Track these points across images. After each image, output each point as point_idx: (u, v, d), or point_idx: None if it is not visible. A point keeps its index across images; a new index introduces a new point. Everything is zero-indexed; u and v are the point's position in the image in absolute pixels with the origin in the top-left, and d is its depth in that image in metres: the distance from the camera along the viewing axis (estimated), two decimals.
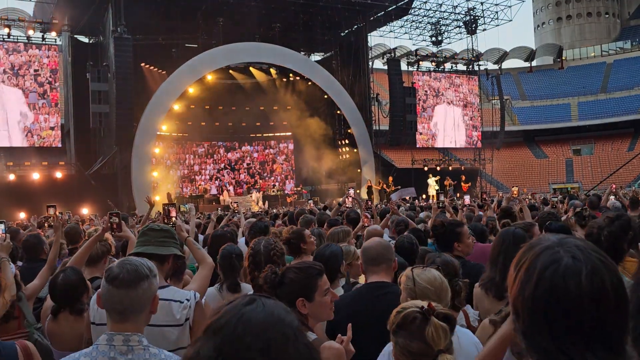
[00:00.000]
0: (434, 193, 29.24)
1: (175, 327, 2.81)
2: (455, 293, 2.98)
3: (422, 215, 8.22)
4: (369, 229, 5.32)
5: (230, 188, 33.72)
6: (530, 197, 16.91)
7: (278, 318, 1.12)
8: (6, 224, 4.19)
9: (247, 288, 3.92)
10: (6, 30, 25.02)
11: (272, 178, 36.02)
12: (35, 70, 25.49)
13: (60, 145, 26.18)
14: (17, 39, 25.62)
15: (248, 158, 36.40)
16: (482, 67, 40.62)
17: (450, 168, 34.84)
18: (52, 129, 25.83)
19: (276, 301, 1.17)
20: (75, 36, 28.78)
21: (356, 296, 3.21)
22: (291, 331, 1.11)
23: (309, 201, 10.92)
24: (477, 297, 3.35)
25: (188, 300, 2.89)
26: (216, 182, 34.28)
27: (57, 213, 5.64)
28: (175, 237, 3.16)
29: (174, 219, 3.80)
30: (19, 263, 5.11)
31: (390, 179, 29.92)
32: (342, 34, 34.41)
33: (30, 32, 25.63)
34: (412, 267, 2.70)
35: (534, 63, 57.96)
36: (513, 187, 8.23)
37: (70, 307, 3.35)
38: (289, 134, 35.46)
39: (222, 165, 35.43)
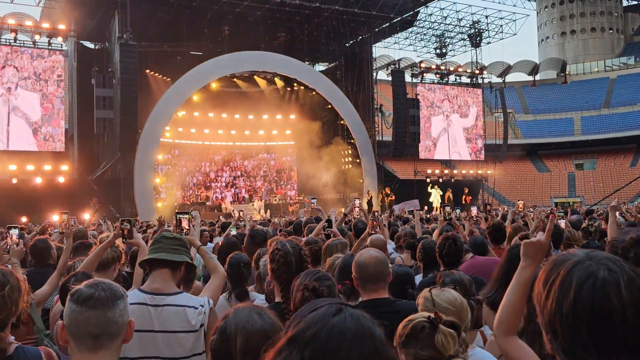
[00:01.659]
0: (438, 205, 29.30)
1: (190, 333, 2.81)
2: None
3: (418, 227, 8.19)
4: (372, 238, 5.28)
5: (247, 195, 33.83)
6: (532, 211, 16.87)
7: (369, 331, 1.08)
8: (22, 230, 4.22)
9: (256, 296, 3.91)
10: (12, 34, 25.11)
11: (289, 186, 36.03)
12: (59, 76, 25.71)
13: (63, 150, 26.20)
14: (24, 43, 25.71)
15: (265, 166, 36.40)
16: (485, 80, 40.72)
17: (452, 180, 34.83)
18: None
19: (361, 312, 1.13)
20: (81, 42, 28.88)
21: None
22: (381, 346, 1.08)
23: (313, 200, 10.76)
24: (484, 314, 3.30)
25: (202, 306, 2.89)
26: (232, 189, 34.36)
27: (69, 219, 5.64)
28: (187, 246, 3.16)
29: (186, 228, 3.77)
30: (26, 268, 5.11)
31: (388, 189, 29.90)
32: (347, 45, 34.53)
33: (37, 37, 25.69)
34: (429, 288, 2.66)
35: (537, 77, 58.06)
36: (519, 200, 8.20)
37: None
38: (292, 143, 35.49)
39: (239, 173, 35.48)
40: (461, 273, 3.23)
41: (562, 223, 6.86)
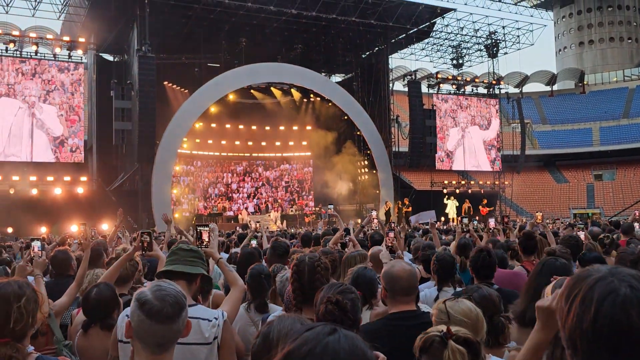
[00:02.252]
0: (454, 216, 29.08)
1: (204, 345, 2.81)
2: (498, 330, 2.88)
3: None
4: (373, 251, 5.25)
5: (263, 207, 34.06)
6: (551, 222, 16.71)
7: (362, 352, 1.12)
8: (42, 241, 4.30)
9: (275, 308, 3.91)
10: (34, 47, 25.55)
11: (310, 196, 36.17)
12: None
13: (82, 161, 26.53)
14: (45, 56, 26.12)
15: (287, 176, 36.56)
16: (502, 91, 40.53)
17: (469, 191, 34.63)
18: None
19: (355, 334, 1.17)
20: (100, 54, 29.28)
21: (392, 326, 3.04)
22: None
23: (330, 206, 10.72)
24: (511, 330, 3.25)
25: (216, 319, 2.89)
26: (254, 200, 34.65)
27: (87, 230, 5.71)
28: (203, 258, 3.19)
29: (206, 241, 3.80)
30: (46, 279, 5.17)
31: (406, 201, 29.79)
32: (363, 56, 34.63)
33: (57, 50, 26.10)
34: (444, 300, 2.62)
35: (555, 87, 57.68)
36: (537, 212, 8.13)
37: (101, 322, 3.37)
38: (308, 154, 35.58)
39: (261, 183, 35.73)
40: (489, 289, 3.15)
41: (582, 235, 6.79)
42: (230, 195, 34.49)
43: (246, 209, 32.92)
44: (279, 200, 35.23)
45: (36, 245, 4.15)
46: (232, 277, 3.50)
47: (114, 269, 3.83)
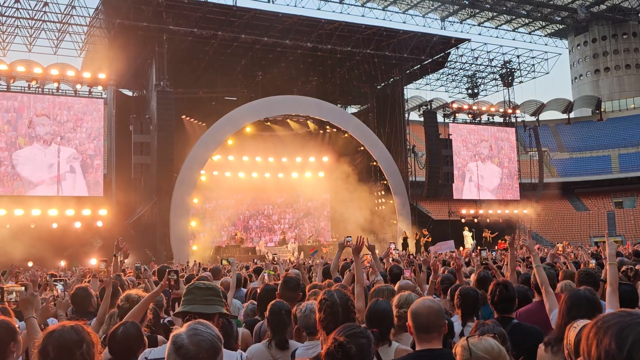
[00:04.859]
0: (470, 246, 28.84)
1: None
2: None
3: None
4: (401, 284, 5.19)
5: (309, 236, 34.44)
6: (571, 251, 16.42)
7: None
8: (66, 283, 4.35)
9: (296, 345, 3.87)
10: (55, 84, 26.10)
11: (328, 227, 36.29)
12: None
13: (102, 195, 26.81)
14: (66, 92, 26.64)
15: (328, 206, 36.60)
16: (519, 119, 40.47)
17: (487, 220, 34.33)
18: None
19: None
20: (120, 89, 29.78)
21: None
22: None
23: (348, 239, 10.63)
24: (540, 357, 3.25)
25: None
26: (295, 230, 35.07)
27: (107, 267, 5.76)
28: (221, 295, 3.14)
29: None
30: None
31: (425, 231, 29.60)
32: (379, 87, 34.85)
33: (78, 86, 26.63)
34: (467, 337, 2.62)
35: (572, 115, 57.39)
36: (558, 243, 8.04)
37: None
38: (326, 185, 35.58)
39: (302, 214, 35.97)
40: (496, 326, 3.15)
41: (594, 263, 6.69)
42: (271, 226, 34.64)
43: (294, 239, 33.56)
44: (322, 231, 35.52)
45: (59, 288, 4.20)
46: None
47: (140, 308, 3.84)
